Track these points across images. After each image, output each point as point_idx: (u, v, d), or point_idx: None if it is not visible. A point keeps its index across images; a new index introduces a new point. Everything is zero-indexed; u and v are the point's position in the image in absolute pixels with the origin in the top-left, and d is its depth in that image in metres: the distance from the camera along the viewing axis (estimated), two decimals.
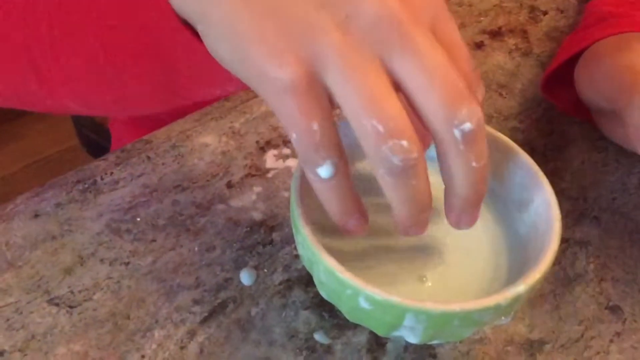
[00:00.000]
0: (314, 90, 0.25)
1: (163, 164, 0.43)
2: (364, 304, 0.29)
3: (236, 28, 0.26)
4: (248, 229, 0.39)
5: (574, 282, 0.38)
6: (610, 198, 0.43)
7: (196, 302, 0.36)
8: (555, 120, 0.48)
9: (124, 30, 0.30)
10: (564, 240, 0.40)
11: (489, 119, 0.47)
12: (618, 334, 0.36)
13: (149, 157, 0.43)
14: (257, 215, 0.40)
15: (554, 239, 0.31)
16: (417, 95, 0.25)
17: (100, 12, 0.30)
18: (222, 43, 0.27)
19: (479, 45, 0.53)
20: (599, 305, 0.37)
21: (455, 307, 0.28)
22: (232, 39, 0.26)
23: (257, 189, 0.41)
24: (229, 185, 0.42)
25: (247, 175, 0.42)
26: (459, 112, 0.25)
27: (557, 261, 0.39)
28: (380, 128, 0.25)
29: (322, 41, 0.25)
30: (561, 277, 0.39)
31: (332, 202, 0.28)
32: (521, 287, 0.29)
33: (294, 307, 0.36)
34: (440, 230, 0.33)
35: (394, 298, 0.28)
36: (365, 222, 0.29)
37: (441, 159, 0.27)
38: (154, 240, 0.38)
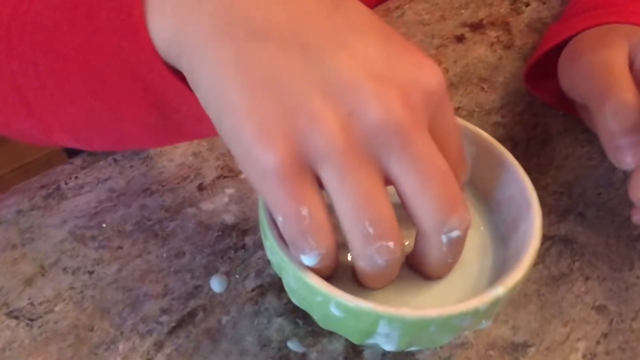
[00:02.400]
0: (304, 175, 0.24)
1: (131, 166, 0.41)
2: (335, 311, 0.27)
3: (225, 96, 0.24)
4: (219, 233, 0.38)
5: (559, 281, 0.37)
6: (595, 193, 0.41)
7: (164, 311, 0.34)
8: (538, 114, 0.46)
9: (113, 75, 0.28)
10: (548, 238, 0.39)
11: (470, 114, 0.46)
12: (605, 335, 0.35)
13: (115, 160, 0.41)
14: (229, 219, 0.38)
15: (534, 237, 0.29)
16: (412, 198, 0.25)
17: (86, 58, 0.28)
18: (209, 107, 0.25)
19: (459, 39, 0.51)
20: (585, 305, 0.36)
21: (432, 312, 0.26)
22: (220, 107, 0.25)
23: (230, 190, 0.40)
24: (200, 187, 0.40)
25: (219, 177, 0.40)
26: (450, 220, 0.25)
27: (541, 259, 0.38)
28: (371, 230, 0.25)
29: (321, 133, 0.24)
30: (545, 276, 0.37)
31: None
32: (500, 290, 0.27)
33: (266, 314, 0.34)
34: None
35: (366, 304, 0.26)
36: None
37: (420, 245, 0.28)
38: (120, 247, 0.37)
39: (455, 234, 0.26)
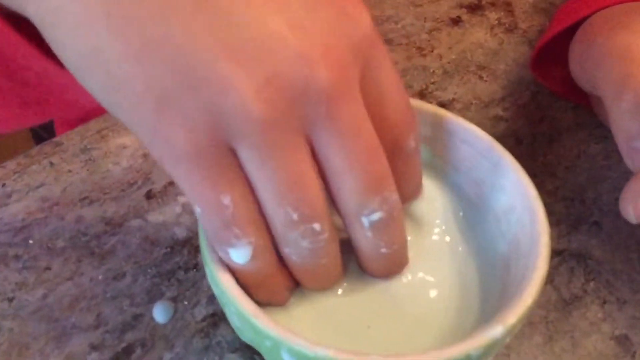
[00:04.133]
0: (223, 156, 0.21)
1: (69, 171, 0.35)
2: (288, 358, 0.21)
3: (105, 63, 0.19)
4: (168, 249, 0.32)
5: (571, 306, 0.31)
6: (612, 198, 0.35)
7: (94, 347, 0.28)
8: (545, 106, 0.40)
9: None
10: (558, 253, 0.33)
11: (466, 106, 0.40)
12: None
13: (52, 164, 0.35)
14: (180, 232, 0.33)
15: (541, 260, 0.23)
16: (333, 178, 0.22)
17: None
18: (82, 75, 0.20)
19: (455, 22, 0.45)
20: (603, 335, 0.30)
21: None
22: (101, 75, 0.20)
23: (183, 199, 0.34)
24: (149, 195, 0.34)
25: (171, 183, 0.35)
26: (371, 202, 0.22)
27: (549, 279, 0.32)
28: (295, 216, 0.22)
29: (234, 106, 0.20)
30: (554, 300, 0.31)
31: (250, 289, 0.23)
32: (498, 330, 0.22)
33: (218, 349, 0.29)
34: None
35: (326, 352, 0.21)
36: (289, 293, 0.25)
37: (351, 237, 0.24)
38: (48, 269, 0.31)
39: (376, 216, 0.23)
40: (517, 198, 0.26)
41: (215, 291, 0.24)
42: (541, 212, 0.25)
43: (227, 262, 0.23)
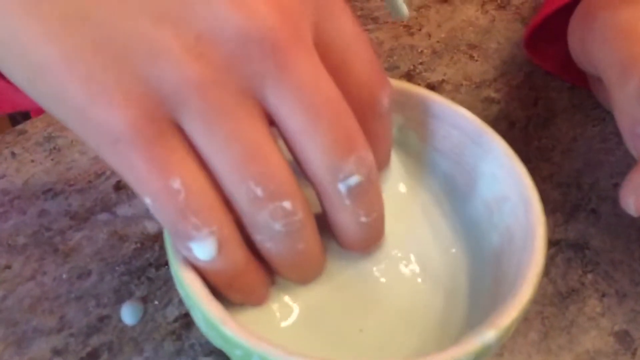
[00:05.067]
0: (167, 134, 0.18)
1: (32, 161, 0.33)
2: None
3: (20, 44, 0.17)
4: (138, 245, 0.30)
5: (568, 300, 0.29)
6: (611, 184, 0.33)
7: (57, 352, 0.26)
8: (540, 87, 0.38)
9: None
10: (554, 243, 0.31)
11: (456, 88, 0.38)
12: None
13: (13, 154, 0.33)
14: (151, 227, 0.30)
15: (536, 256, 0.21)
16: (297, 140, 0.19)
17: None
18: (13, 65, 0.18)
19: None
20: (602, 331, 0.28)
21: None
22: (18, 59, 0.18)
23: None
24: (118, 187, 0.32)
25: None
26: (345, 164, 0.20)
27: (545, 271, 0.30)
28: (259, 192, 0.19)
29: (166, 71, 0.18)
30: (550, 293, 0.29)
31: (222, 289, 0.21)
32: (490, 335, 0.20)
33: (191, 352, 0.27)
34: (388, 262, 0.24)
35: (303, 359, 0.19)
36: (267, 290, 0.23)
37: (325, 211, 0.22)
38: (7, 267, 0.29)
39: (354, 180, 0.20)
40: (510, 187, 0.24)
41: (181, 293, 0.21)
42: (537, 202, 0.23)
43: (193, 262, 0.20)
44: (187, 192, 0.19)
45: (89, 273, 0.29)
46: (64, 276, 0.29)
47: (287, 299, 0.23)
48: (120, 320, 0.27)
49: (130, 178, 0.19)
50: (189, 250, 0.20)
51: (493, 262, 0.24)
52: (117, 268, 0.29)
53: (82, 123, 0.18)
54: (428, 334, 0.23)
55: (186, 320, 0.27)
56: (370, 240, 0.23)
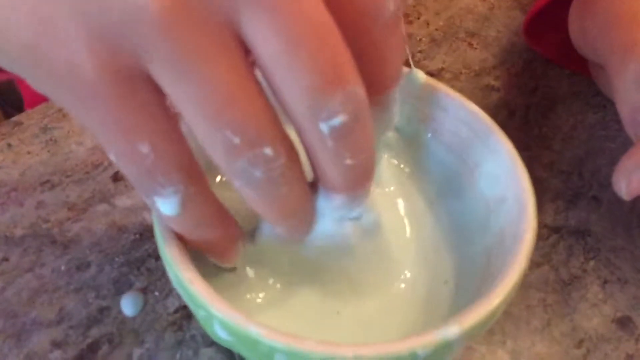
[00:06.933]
0: (138, 85, 0.16)
1: (28, 152, 0.32)
2: (220, 332, 0.20)
3: None
4: (137, 236, 0.30)
5: (570, 287, 0.29)
6: (611, 171, 0.33)
7: (56, 344, 0.26)
8: (539, 75, 0.38)
9: None
10: (555, 230, 0.31)
11: (455, 76, 0.37)
12: (630, 356, 0.27)
13: (10, 145, 0.33)
14: (150, 217, 0.30)
15: (518, 262, 0.21)
16: (272, 71, 0.17)
17: None
18: None
19: None
20: (604, 318, 0.28)
21: (346, 351, 0.19)
22: None
23: None
24: (116, 177, 0.32)
25: None
26: (329, 101, 0.17)
27: (547, 258, 0.30)
28: (236, 140, 0.17)
29: (124, 4, 0.15)
30: (552, 281, 0.29)
31: (191, 243, 0.21)
32: (453, 330, 0.19)
33: (193, 343, 0.26)
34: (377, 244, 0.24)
35: (258, 329, 0.19)
36: (237, 247, 0.22)
37: (307, 151, 0.19)
38: (5, 259, 0.28)
39: (338, 120, 0.17)
40: (509, 188, 0.24)
41: (162, 258, 0.21)
42: (531, 206, 0.22)
43: (157, 212, 0.19)
44: (155, 155, 0.17)
45: (88, 264, 0.28)
46: (63, 268, 0.28)
47: (269, 278, 0.23)
48: (120, 311, 0.27)
49: (98, 133, 0.17)
50: (153, 203, 0.19)
51: (483, 260, 0.24)
52: (116, 259, 0.29)
53: (49, 79, 0.17)
54: (407, 327, 0.23)
55: (187, 311, 0.27)
56: (357, 182, 0.20)
